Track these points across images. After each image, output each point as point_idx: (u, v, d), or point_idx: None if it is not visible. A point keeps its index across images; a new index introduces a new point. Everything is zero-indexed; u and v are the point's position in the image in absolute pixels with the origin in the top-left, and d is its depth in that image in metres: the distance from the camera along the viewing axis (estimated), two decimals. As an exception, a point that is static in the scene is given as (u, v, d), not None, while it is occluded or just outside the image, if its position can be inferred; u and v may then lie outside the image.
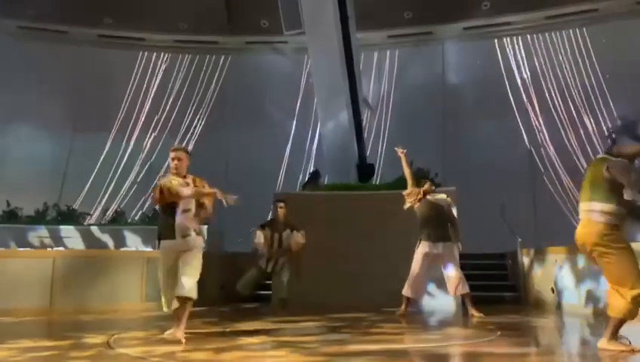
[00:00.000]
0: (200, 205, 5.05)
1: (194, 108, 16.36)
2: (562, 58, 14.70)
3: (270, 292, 9.03)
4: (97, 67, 15.68)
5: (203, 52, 16.78)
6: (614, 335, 4.18)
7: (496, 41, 15.37)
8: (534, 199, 13.79)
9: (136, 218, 13.67)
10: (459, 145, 14.67)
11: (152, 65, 16.63)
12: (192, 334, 5.14)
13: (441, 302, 8.38)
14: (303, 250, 7.53)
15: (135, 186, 15.51)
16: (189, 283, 4.79)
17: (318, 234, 8.87)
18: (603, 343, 4.22)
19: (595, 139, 13.84)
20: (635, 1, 13.78)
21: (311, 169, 15.19)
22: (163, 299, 4.99)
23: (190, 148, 15.97)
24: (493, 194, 12.07)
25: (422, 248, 7.15)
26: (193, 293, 4.82)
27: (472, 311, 6.97)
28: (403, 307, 7.09)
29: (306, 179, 13.32)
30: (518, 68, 15.07)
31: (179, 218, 4.92)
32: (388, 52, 16.36)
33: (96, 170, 15.38)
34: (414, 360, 4.38)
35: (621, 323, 4.16)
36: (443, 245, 7.11)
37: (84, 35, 15.88)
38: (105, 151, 15.70)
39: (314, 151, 15.74)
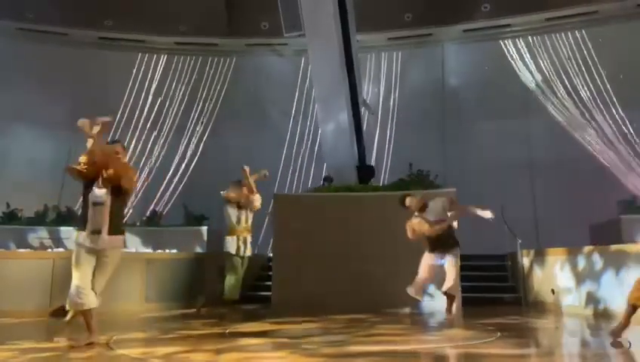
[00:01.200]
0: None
1: (194, 109, 16.36)
2: (563, 59, 14.69)
3: (270, 293, 9.06)
4: (98, 69, 15.68)
5: (203, 54, 16.79)
6: None
7: (496, 43, 15.38)
8: (534, 200, 13.79)
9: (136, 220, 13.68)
10: (459, 147, 14.66)
11: (152, 67, 16.63)
12: (192, 335, 5.14)
13: (441, 303, 8.37)
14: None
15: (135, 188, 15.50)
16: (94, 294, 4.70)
17: (318, 235, 8.89)
18: None
19: (596, 140, 13.85)
20: (636, 3, 13.79)
21: (312, 170, 15.24)
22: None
23: (191, 149, 16.00)
24: (493, 195, 12.06)
25: (427, 259, 6.91)
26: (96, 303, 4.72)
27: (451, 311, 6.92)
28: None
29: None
30: (519, 69, 15.07)
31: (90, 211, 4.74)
32: (388, 54, 16.37)
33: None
34: (414, 361, 4.38)
35: None
36: (446, 255, 6.88)
37: (85, 37, 15.89)
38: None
39: (315, 153, 15.72)
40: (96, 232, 4.67)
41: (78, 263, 4.65)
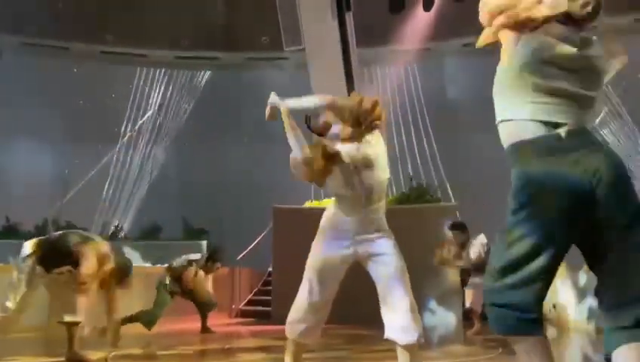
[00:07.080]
0: None
1: (195, 123, 16.38)
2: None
3: (269, 308, 9.01)
4: (99, 83, 15.73)
5: (204, 68, 16.86)
6: None
7: (496, 55, 15.40)
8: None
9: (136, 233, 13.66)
10: (458, 160, 14.66)
11: (152, 80, 16.70)
12: (192, 351, 5.10)
13: (441, 318, 8.32)
14: None
15: (134, 201, 15.51)
16: None
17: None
18: None
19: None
20: (634, 18, 13.83)
21: (313, 183, 15.22)
22: None
23: (191, 162, 16.01)
24: (494, 207, 12.00)
25: None
26: None
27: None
28: None
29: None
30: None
31: None
32: (388, 67, 16.41)
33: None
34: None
35: None
36: None
37: (86, 51, 15.96)
38: (105, 166, 15.75)
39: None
40: None
41: None
